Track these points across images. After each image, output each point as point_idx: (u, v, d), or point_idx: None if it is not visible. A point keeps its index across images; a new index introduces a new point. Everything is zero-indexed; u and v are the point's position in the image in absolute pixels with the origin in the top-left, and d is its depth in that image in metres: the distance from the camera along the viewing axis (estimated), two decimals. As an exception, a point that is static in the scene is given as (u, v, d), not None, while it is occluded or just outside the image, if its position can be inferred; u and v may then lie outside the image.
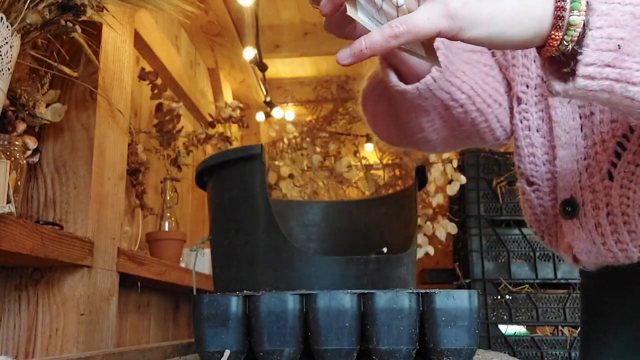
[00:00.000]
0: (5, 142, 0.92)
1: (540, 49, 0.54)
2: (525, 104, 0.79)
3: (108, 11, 1.07)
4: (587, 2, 0.51)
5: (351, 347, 0.55)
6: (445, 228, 2.50)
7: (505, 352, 1.46)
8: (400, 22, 0.51)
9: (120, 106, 1.23)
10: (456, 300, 0.55)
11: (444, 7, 0.50)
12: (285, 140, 2.78)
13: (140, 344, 1.65)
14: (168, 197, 1.79)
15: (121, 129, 1.25)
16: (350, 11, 0.54)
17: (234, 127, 2.57)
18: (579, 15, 0.50)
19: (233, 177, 0.75)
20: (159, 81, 1.79)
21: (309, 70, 3.20)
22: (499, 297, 2.44)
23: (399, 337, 0.54)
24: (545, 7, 0.51)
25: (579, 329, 0.89)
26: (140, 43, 1.71)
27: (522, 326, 2.49)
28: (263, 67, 2.61)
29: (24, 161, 0.97)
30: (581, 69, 0.51)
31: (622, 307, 0.79)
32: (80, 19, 0.87)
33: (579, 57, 0.51)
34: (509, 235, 2.51)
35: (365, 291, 0.56)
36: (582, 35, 0.51)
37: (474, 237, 2.51)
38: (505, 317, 2.42)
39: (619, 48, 0.50)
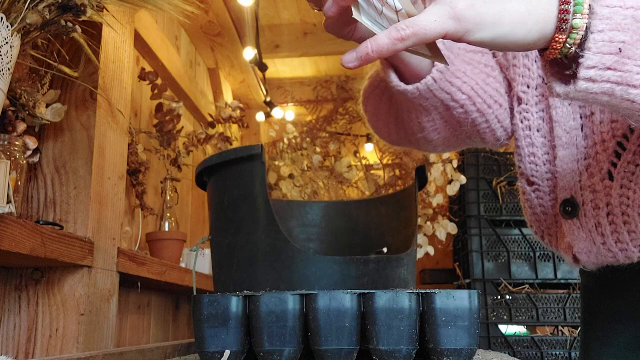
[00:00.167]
0: (5, 142, 0.92)
1: (542, 51, 0.54)
2: (526, 104, 0.79)
3: (108, 11, 1.07)
4: (589, 5, 0.51)
5: (351, 347, 0.55)
6: (445, 228, 2.50)
7: (505, 352, 1.46)
8: (406, 25, 0.51)
9: (120, 106, 1.23)
10: (456, 300, 0.55)
11: (451, 9, 0.50)
12: (285, 140, 2.78)
13: (140, 344, 1.66)
14: (168, 197, 1.79)
15: (121, 129, 1.25)
16: (355, 14, 0.55)
17: (234, 127, 2.57)
18: (581, 19, 0.51)
19: (233, 177, 0.75)
20: (159, 81, 1.79)
21: (309, 70, 3.20)
22: (499, 297, 2.44)
23: (399, 337, 0.54)
24: (548, 9, 0.52)
25: (579, 329, 0.89)
26: (140, 43, 1.71)
27: (522, 326, 2.49)
28: (263, 67, 2.61)
29: (24, 161, 0.97)
30: (582, 72, 0.52)
31: (622, 307, 0.79)
32: (80, 19, 0.87)
33: (581, 60, 0.52)
34: (509, 235, 2.51)
35: (365, 291, 0.56)
36: (584, 39, 0.51)
37: (474, 237, 2.51)
38: (505, 317, 2.42)
39: (620, 51, 0.51)
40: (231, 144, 2.13)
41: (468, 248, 2.52)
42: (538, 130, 0.79)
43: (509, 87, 0.81)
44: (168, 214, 1.77)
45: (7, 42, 0.74)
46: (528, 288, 2.44)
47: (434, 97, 0.72)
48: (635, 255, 0.71)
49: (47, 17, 0.81)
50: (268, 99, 3.00)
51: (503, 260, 2.48)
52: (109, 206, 1.18)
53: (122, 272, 1.24)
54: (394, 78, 0.70)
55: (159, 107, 1.79)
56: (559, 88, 0.54)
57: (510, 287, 2.43)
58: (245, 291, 0.59)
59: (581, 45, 0.52)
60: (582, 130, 0.74)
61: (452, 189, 2.50)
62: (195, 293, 0.70)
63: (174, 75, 2.02)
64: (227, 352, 0.56)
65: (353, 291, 0.56)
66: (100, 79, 1.14)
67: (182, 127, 1.86)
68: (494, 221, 2.55)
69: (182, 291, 1.89)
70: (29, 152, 0.97)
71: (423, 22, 0.50)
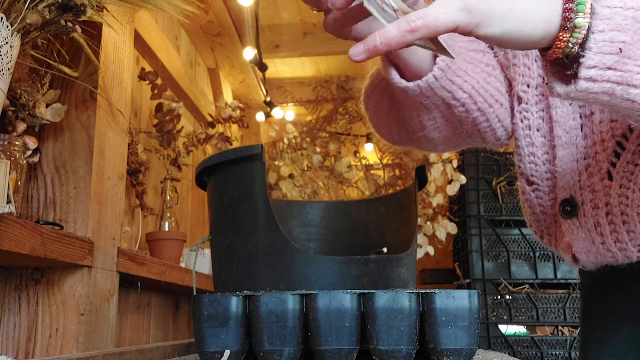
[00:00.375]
0: (5, 142, 0.92)
1: (544, 50, 0.54)
2: (526, 104, 0.79)
3: (108, 11, 1.07)
4: (591, 5, 0.51)
5: (351, 347, 0.55)
6: (445, 228, 2.50)
7: (505, 352, 1.46)
8: (417, 16, 0.50)
9: (120, 106, 1.23)
10: (456, 300, 0.55)
11: (462, 2, 0.50)
12: (285, 140, 2.78)
13: (140, 344, 1.66)
14: (168, 197, 1.79)
15: (121, 129, 1.25)
16: (365, 3, 0.54)
17: (234, 127, 2.57)
18: (584, 18, 0.51)
19: (233, 177, 0.75)
20: (159, 81, 1.79)
21: (309, 70, 3.20)
22: (499, 297, 2.44)
23: (399, 337, 0.54)
24: (553, 7, 0.52)
25: (579, 328, 0.89)
26: (140, 43, 1.71)
27: (522, 326, 2.49)
28: (263, 67, 2.61)
29: (24, 161, 0.97)
30: (583, 72, 0.52)
31: (621, 307, 0.79)
32: (80, 19, 0.87)
33: (582, 60, 0.52)
34: (509, 235, 2.51)
35: (365, 291, 0.56)
36: (585, 38, 0.52)
37: (474, 237, 2.51)
38: (505, 317, 2.42)
39: (621, 51, 0.51)
40: (231, 144, 2.13)
41: (468, 248, 2.52)
42: (538, 130, 0.79)
43: (510, 86, 0.81)
44: (168, 214, 1.77)
45: (7, 42, 0.74)
46: (528, 288, 2.44)
47: (434, 95, 0.72)
48: (634, 255, 0.71)
49: (47, 17, 0.81)
50: (268, 99, 3.00)
51: (503, 260, 2.48)
52: (109, 206, 1.18)
53: (122, 272, 1.24)
54: (395, 75, 0.70)
55: (159, 107, 1.79)
56: (560, 88, 0.54)
57: (510, 287, 2.43)
58: (245, 291, 0.59)
59: (582, 45, 0.52)
60: (581, 130, 0.74)
61: (452, 189, 2.50)
62: (195, 293, 0.70)
63: (174, 75, 2.02)
64: (227, 352, 0.56)
65: (353, 291, 0.56)
66: (100, 79, 1.14)
67: (182, 127, 1.86)
68: (494, 221, 2.55)
69: (182, 291, 1.89)
70: (29, 152, 0.97)
71: (434, 13, 0.50)
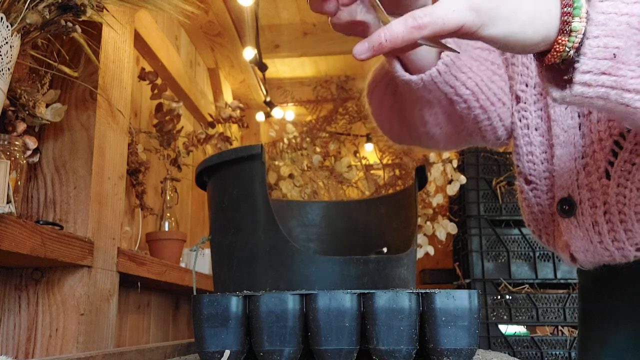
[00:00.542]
0: (5, 142, 0.92)
1: (541, 55, 0.55)
2: (524, 103, 0.79)
3: (108, 11, 1.07)
4: (586, 11, 0.52)
5: (351, 347, 0.55)
6: (445, 228, 2.50)
7: (505, 352, 1.46)
8: (424, 13, 0.50)
9: (120, 106, 1.23)
10: (456, 300, 0.55)
11: (469, 0, 0.50)
12: (285, 140, 2.78)
13: (140, 344, 1.66)
14: (168, 197, 1.79)
15: (121, 129, 1.25)
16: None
17: (234, 127, 2.57)
18: (580, 22, 0.52)
19: (233, 177, 0.75)
20: (159, 81, 1.79)
21: (309, 70, 3.20)
22: (499, 297, 2.44)
23: (399, 337, 0.54)
24: (551, 10, 0.52)
25: (578, 328, 0.89)
26: (140, 43, 1.71)
27: (522, 326, 2.49)
28: (263, 67, 2.61)
29: (24, 161, 0.97)
30: (578, 76, 0.52)
31: (620, 307, 0.79)
32: (80, 19, 0.87)
33: (576, 65, 0.52)
34: (509, 235, 2.51)
35: (365, 291, 0.56)
36: (580, 44, 0.52)
37: (474, 237, 2.51)
38: (505, 317, 2.42)
39: (615, 57, 0.52)
40: (231, 144, 2.13)
41: (468, 248, 2.52)
42: (536, 129, 0.79)
43: None
44: (168, 214, 1.77)
45: (7, 42, 0.74)
46: (528, 288, 2.44)
47: (437, 89, 0.72)
48: (632, 255, 0.71)
49: (47, 17, 0.81)
50: (268, 99, 3.00)
51: (503, 260, 2.48)
52: (109, 206, 1.18)
53: (122, 272, 1.24)
54: (399, 68, 0.70)
55: (159, 107, 1.79)
56: (555, 93, 0.55)
57: (510, 287, 2.44)
58: (245, 291, 0.60)
59: (577, 50, 0.52)
60: (579, 129, 0.74)
61: (452, 189, 2.50)
62: (195, 293, 0.70)
63: (174, 75, 2.02)
64: (227, 352, 0.56)
65: (353, 291, 0.56)
66: (100, 79, 1.14)
67: (182, 127, 1.86)
68: (493, 221, 2.55)
69: (182, 291, 1.89)
70: (29, 152, 0.98)
71: (442, 11, 0.50)
